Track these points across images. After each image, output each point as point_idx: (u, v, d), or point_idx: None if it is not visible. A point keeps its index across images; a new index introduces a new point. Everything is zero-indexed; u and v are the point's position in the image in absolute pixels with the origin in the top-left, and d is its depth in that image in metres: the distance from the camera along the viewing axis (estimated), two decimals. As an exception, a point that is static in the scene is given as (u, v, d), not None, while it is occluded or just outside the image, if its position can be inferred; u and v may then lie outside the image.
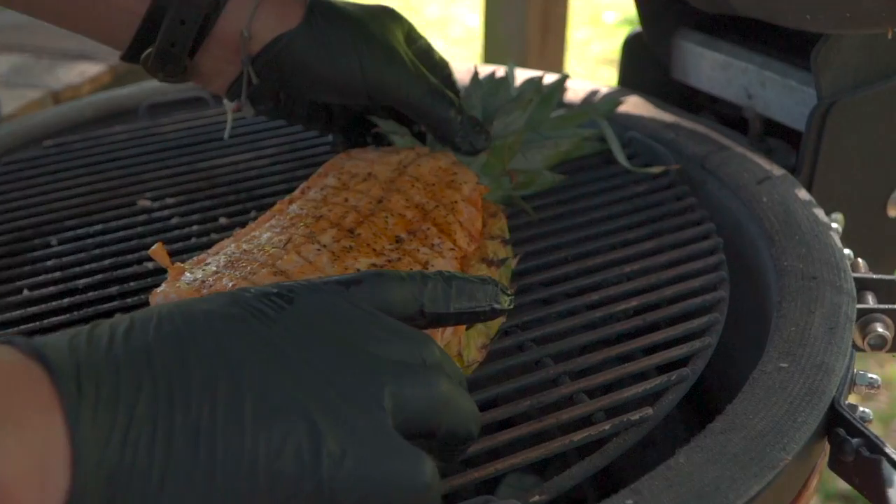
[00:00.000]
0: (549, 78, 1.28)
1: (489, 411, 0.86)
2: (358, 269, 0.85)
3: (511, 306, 0.74)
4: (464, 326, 0.86)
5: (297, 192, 1.01)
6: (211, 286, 0.82)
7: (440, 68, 1.12)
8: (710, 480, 0.77)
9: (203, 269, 0.86)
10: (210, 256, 0.90)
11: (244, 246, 0.89)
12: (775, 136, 1.34)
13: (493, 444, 0.83)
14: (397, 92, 1.01)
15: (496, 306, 0.73)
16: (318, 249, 0.87)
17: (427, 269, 0.87)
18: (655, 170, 1.18)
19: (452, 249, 0.91)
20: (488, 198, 1.06)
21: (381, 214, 0.93)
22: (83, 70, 1.86)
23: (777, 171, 1.18)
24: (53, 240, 1.17)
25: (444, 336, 0.84)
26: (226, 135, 1.17)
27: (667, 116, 1.33)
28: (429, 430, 0.62)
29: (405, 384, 0.59)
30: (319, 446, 0.53)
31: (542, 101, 1.16)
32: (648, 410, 0.85)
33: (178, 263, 0.89)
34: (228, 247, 0.91)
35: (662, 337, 0.95)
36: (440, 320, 0.69)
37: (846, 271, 1.00)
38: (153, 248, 0.87)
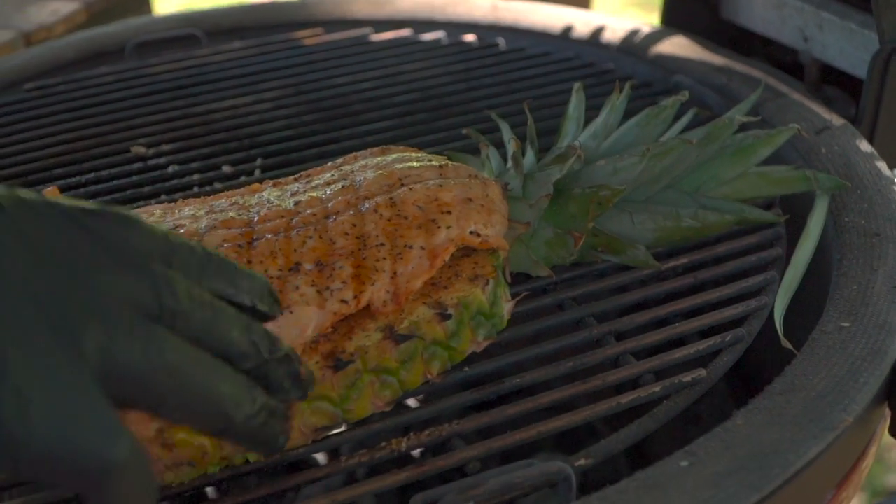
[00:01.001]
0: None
1: (530, 372, 0.92)
2: None
3: (282, 351, 0.69)
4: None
5: (291, 177, 1.04)
6: None
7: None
8: (768, 442, 0.83)
9: None
10: (154, 210, 0.96)
11: (155, 214, 0.95)
12: (833, 84, 1.40)
13: (535, 405, 0.90)
14: None
15: (259, 306, 0.68)
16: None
17: (281, 313, 0.84)
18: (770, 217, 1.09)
19: (344, 302, 0.88)
20: (536, 258, 1.02)
21: (308, 232, 0.92)
22: (55, 8, 1.91)
23: (837, 120, 1.24)
24: (41, 189, 1.22)
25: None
26: None
27: (717, 59, 1.39)
28: (147, 403, 0.56)
29: (119, 335, 0.53)
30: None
31: (735, 154, 1.06)
32: (701, 372, 0.92)
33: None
34: (148, 210, 0.98)
35: (715, 296, 1.01)
36: (177, 307, 0.59)
37: (913, 227, 1.07)
38: (47, 189, 0.94)
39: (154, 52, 1.52)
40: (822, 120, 1.24)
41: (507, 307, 0.97)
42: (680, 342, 0.96)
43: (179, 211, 0.97)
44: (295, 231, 0.93)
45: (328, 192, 0.98)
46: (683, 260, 1.05)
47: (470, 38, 1.55)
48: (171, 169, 1.24)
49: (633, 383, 0.92)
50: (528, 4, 1.56)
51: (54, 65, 1.49)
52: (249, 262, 0.89)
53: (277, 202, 0.97)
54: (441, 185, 0.97)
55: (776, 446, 0.83)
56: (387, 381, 0.89)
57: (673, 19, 1.51)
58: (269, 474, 0.88)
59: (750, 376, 1.19)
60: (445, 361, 0.93)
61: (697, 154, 1.05)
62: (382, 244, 0.92)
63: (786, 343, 0.96)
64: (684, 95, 1.10)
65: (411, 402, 1.25)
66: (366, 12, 1.61)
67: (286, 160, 1.25)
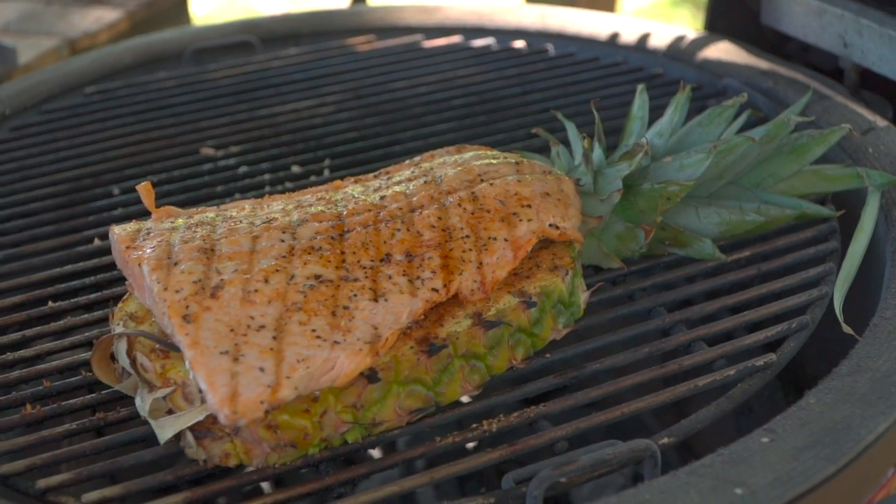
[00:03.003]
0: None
1: (608, 357, 0.98)
2: (293, 276, 0.91)
3: None
4: (366, 378, 0.88)
5: (371, 174, 1.10)
6: (145, 240, 0.94)
7: None
8: (840, 418, 0.88)
9: (172, 222, 0.97)
10: (209, 211, 1.01)
11: (245, 210, 1.00)
12: (870, 89, 1.46)
13: (617, 388, 0.95)
14: None
15: None
16: (282, 240, 0.95)
17: (377, 301, 0.90)
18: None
19: (435, 290, 0.93)
20: (608, 251, 1.07)
21: (395, 225, 0.98)
22: (99, 16, 1.96)
23: (881, 121, 1.30)
24: (115, 188, 1.28)
25: (319, 379, 0.84)
26: None
27: (761, 63, 1.45)
28: None
29: None
30: None
31: (791, 152, 1.12)
32: (772, 356, 0.97)
33: (170, 207, 1.01)
34: (237, 206, 1.02)
35: (779, 286, 1.06)
36: None
37: (967, 223, 1.12)
38: (140, 185, 1.00)
39: (211, 58, 1.57)
40: (867, 121, 1.30)
41: (583, 297, 1.03)
42: (747, 329, 1.02)
43: (268, 206, 1.03)
44: (383, 224, 0.98)
45: (411, 188, 1.03)
46: (746, 253, 1.11)
47: (519, 44, 1.61)
48: (241, 169, 1.30)
49: (707, 368, 0.98)
50: (575, 11, 1.61)
51: (113, 69, 1.55)
52: (342, 253, 0.94)
53: (362, 197, 1.02)
54: (519, 181, 1.03)
55: (848, 422, 0.88)
56: (475, 366, 0.94)
57: (716, 24, 1.56)
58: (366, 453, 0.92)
59: (794, 370, 1.23)
60: (529, 348, 0.98)
61: (758, 152, 1.10)
62: (468, 236, 0.97)
63: (847, 329, 1.02)
64: (743, 97, 1.15)
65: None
66: (416, 20, 1.67)
67: (353, 161, 1.31)
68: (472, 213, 0.99)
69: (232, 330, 0.87)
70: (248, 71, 1.53)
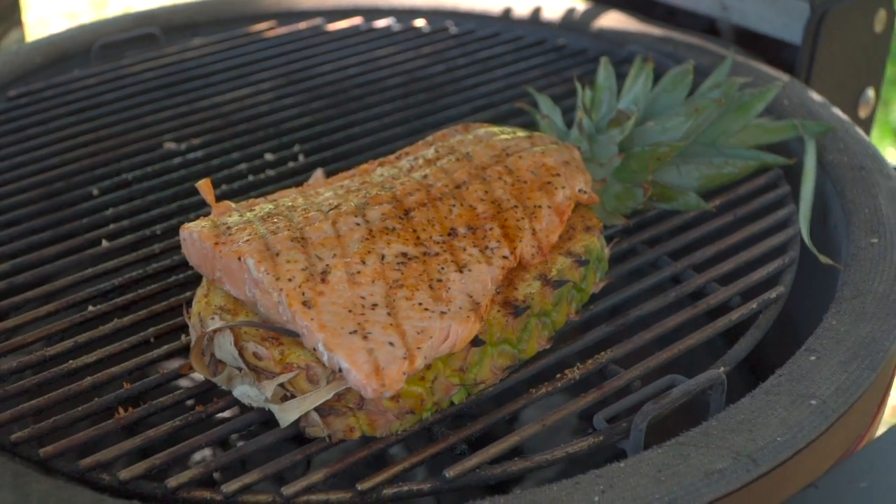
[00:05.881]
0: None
1: (645, 303, 1.10)
2: (383, 256, 0.98)
3: None
4: (470, 342, 0.96)
5: (392, 157, 1.16)
6: (230, 235, 0.99)
7: None
8: (865, 334, 1.05)
9: (241, 215, 1.03)
10: (264, 202, 1.06)
11: (299, 201, 1.05)
12: (744, 46, 1.64)
13: (664, 329, 1.08)
14: None
15: None
16: (357, 224, 1.01)
17: (462, 272, 0.99)
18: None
19: (506, 258, 1.02)
20: (610, 209, 1.18)
21: (450, 201, 1.06)
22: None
23: (784, 76, 1.48)
24: (94, 189, 1.28)
25: (439, 348, 0.94)
26: None
27: (654, 30, 1.60)
28: None
29: None
30: None
31: (737, 109, 1.25)
32: (781, 288, 1.13)
33: (227, 202, 1.06)
34: (289, 196, 1.08)
35: (759, 227, 1.22)
36: None
37: (884, 159, 1.31)
38: (200, 182, 1.05)
39: (119, 52, 1.57)
40: (771, 76, 1.48)
41: (607, 252, 1.15)
42: (748, 268, 1.16)
43: (318, 194, 1.08)
44: (438, 201, 1.06)
45: (445, 165, 1.11)
46: (717, 201, 1.25)
47: (420, 22, 1.69)
48: (214, 162, 1.33)
49: (725, 307, 1.12)
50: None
51: (25, 70, 1.52)
52: (414, 230, 1.02)
53: (403, 177, 1.10)
54: (543, 152, 1.13)
55: (872, 337, 1.04)
56: (546, 322, 1.05)
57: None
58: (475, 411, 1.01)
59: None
60: (579, 302, 1.09)
61: (718, 111, 1.25)
62: (516, 206, 1.07)
63: (825, 259, 1.18)
64: (691, 63, 1.30)
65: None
66: (311, 4, 1.71)
67: (320, 145, 1.36)
68: (513, 185, 1.09)
69: (350, 310, 0.94)
70: (167, 63, 1.54)
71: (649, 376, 1.03)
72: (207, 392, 1.01)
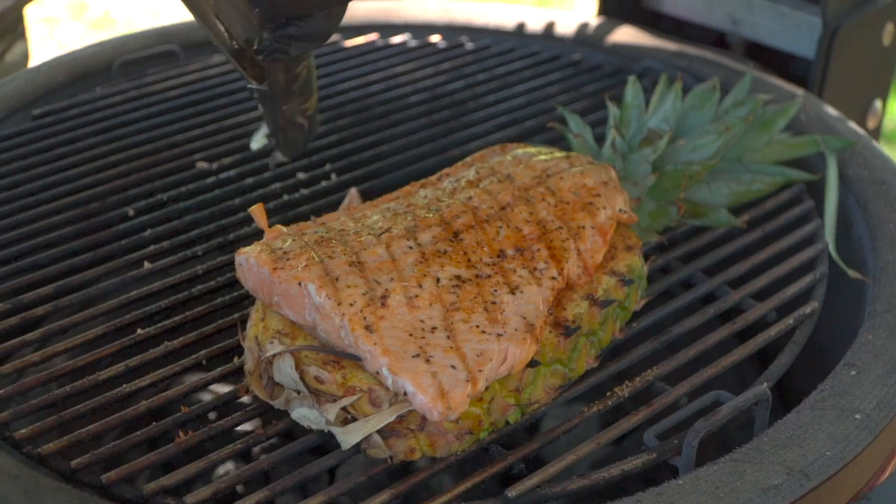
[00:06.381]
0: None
1: (686, 320, 1.13)
2: (438, 279, 1.01)
3: None
4: (527, 363, 0.99)
5: (433, 178, 1.18)
6: (288, 260, 1.00)
7: None
8: (900, 348, 1.08)
9: (294, 240, 1.04)
10: (313, 226, 1.08)
11: (348, 224, 1.07)
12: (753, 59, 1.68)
13: (706, 346, 1.10)
14: None
15: None
16: (410, 247, 1.03)
17: (514, 293, 1.01)
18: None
19: (554, 279, 1.04)
20: (644, 227, 1.21)
21: (496, 223, 1.08)
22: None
23: (799, 90, 1.51)
24: (129, 210, 1.29)
25: (498, 370, 0.97)
26: None
27: (668, 44, 1.63)
28: None
29: None
30: None
31: (761, 126, 1.28)
32: (815, 304, 1.16)
33: (278, 226, 1.08)
34: (337, 219, 1.10)
35: (787, 243, 1.25)
36: None
37: (905, 173, 1.35)
38: (253, 207, 1.06)
39: (139, 69, 1.58)
40: (789, 91, 1.51)
41: (646, 270, 1.17)
42: (780, 283, 1.19)
43: (366, 217, 1.10)
44: (485, 223, 1.08)
45: (488, 187, 1.13)
46: (745, 217, 1.28)
47: (435, 38, 1.71)
48: (248, 181, 1.34)
49: (762, 322, 1.15)
50: (474, 3, 1.74)
51: (47, 88, 1.52)
52: (465, 253, 1.04)
53: (447, 199, 1.12)
54: (582, 172, 1.15)
55: (908, 351, 1.08)
56: (593, 341, 1.07)
57: (606, 10, 1.73)
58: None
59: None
60: (623, 320, 1.12)
61: (745, 128, 1.28)
62: (560, 227, 1.09)
63: (854, 274, 1.21)
64: (716, 80, 1.33)
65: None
66: (327, 19, 1.73)
67: (350, 163, 1.38)
68: (556, 206, 1.11)
69: (410, 334, 0.96)
70: (190, 80, 1.55)
71: (693, 393, 1.05)
72: (264, 414, 1.03)
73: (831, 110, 1.47)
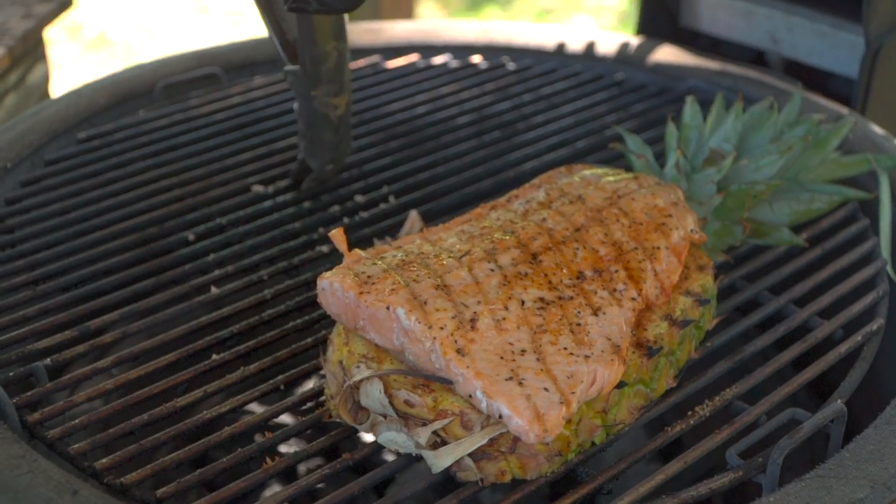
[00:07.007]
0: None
1: (758, 339, 1.15)
2: (522, 301, 1.02)
3: None
4: (614, 386, 1.01)
5: (502, 200, 1.20)
6: (373, 284, 1.02)
7: None
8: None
9: (375, 264, 1.06)
10: (390, 249, 1.09)
11: (426, 247, 1.09)
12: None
13: (780, 364, 1.12)
14: None
15: None
16: (492, 270, 1.05)
17: (597, 315, 1.03)
18: None
19: (634, 299, 1.07)
20: (709, 246, 1.23)
21: (573, 244, 1.09)
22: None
23: (844, 110, 1.54)
24: (189, 235, 1.30)
25: (588, 392, 0.98)
26: None
27: (710, 63, 1.65)
28: None
29: None
30: None
31: (815, 145, 1.30)
32: (881, 320, 1.18)
33: (357, 250, 1.09)
34: (414, 242, 1.12)
35: (847, 261, 1.27)
36: None
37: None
38: (333, 231, 1.08)
39: (181, 91, 1.59)
40: (834, 111, 1.53)
41: (715, 290, 1.19)
42: (844, 300, 1.21)
43: (442, 240, 1.11)
44: (562, 245, 1.10)
45: (561, 208, 1.15)
46: (804, 235, 1.30)
47: (476, 59, 1.73)
48: (306, 205, 1.35)
49: (829, 340, 1.17)
50: (513, 23, 1.76)
51: (90, 111, 1.53)
52: (545, 275, 1.06)
53: (520, 221, 1.13)
54: (653, 193, 1.17)
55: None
56: (672, 361, 1.09)
57: (643, 29, 1.75)
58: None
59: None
60: (698, 339, 1.14)
61: (803, 148, 1.30)
62: (636, 248, 1.11)
63: None
64: (770, 100, 1.35)
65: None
66: (365, 40, 1.75)
67: (406, 186, 1.40)
68: (630, 227, 1.13)
69: (501, 357, 0.97)
70: (236, 103, 1.56)
71: (770, 410, 1.07)
72: (348, 439, 1.04)
73: (877, 129, 1.49)
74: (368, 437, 1.02)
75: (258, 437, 1.17)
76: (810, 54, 1.64)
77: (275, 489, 1.37)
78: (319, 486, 1.00)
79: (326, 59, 1.27)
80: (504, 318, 1.00)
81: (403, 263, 1.05)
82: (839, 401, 1.06)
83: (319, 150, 1.32)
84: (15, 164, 1.41)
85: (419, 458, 0.99)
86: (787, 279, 1.25)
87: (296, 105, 1.33)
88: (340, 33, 1.26)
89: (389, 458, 1.02)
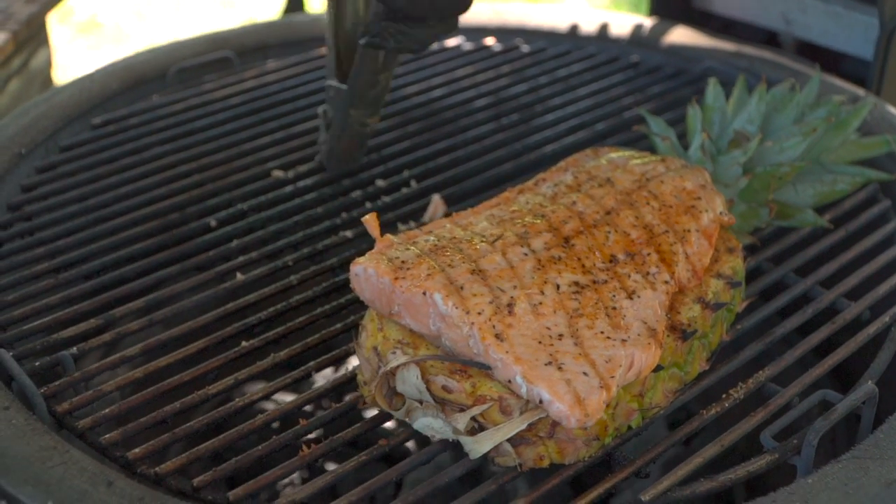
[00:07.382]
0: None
1: (787, 320, 1.15)
2: (557, 285, 1.03)
3: None
4: (651, 370, 1.02)
5: (530, 183, 1.20)
6: (408, 269, 1.02)
7: None
8: None
9: (408, 249, 1.05)
10: (421, 234, 1.09)
11: (457, 232, 1.09)
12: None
13: (810, 346, 1.13)
14: None
15: None
16: (525, 254, 1.05)
17: (632, 298, 1.04)
18: None
19: (667, 283, 1.07)
20: (735, 229, 1.22)
21: (604, 228, 1.10)
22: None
23: (860, 91, 1.54)
24: (211, 220, 1.30)
25: (625, 376, 0.99)
26: None
27: (725, 45, 1.65)
28: None
29: None
30: None
31: (836, 127, 1.31)
32: (910, 301, 1.19)
33: (388, 234, 1.09)
34: (444, 227, 1.12)
35: (872, 242, 1.28)
36: None
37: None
38: (366, 217, 1.07)
39: (194, 76, 1.59)
40: (852, 93, 1.54)
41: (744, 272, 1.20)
42: (869, 281, 1.22)
43: (472, 224, 1.11)
44: (594, 228, 1.10)
45: (590, 192, 1.15)
46: (827, 216, 1.31)
47: (490, 41, 1.73)
48: (327, 189, 1.35)
49: (857, 322, 1.18)
50: (525, 5, 1.75)
51: (103, 96, 1.52)
52: (578, 258, 1.06)
53: (550, 205, 1.13)
54: (681, 176, 1.17)
55: None
56: (705, 344, 1.09)
57: (657, 10, 1.75)
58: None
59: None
60: (729, 322, 1.14)
61: (825, 129, 1.31)
62: (667, 231, 1.11)
63: None
64: (791, 82, 1.35)
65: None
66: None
67: (427, 170, 1.40)
68: (660, 210, 1.13)
69: (539, 342, 0.97)
70: (250, 87, 1.56)
71: (802, 393, 1.08)
72: (384, 424, 1.04)
73: (894, 110, 1.50)
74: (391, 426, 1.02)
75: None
76: (823, 35, 1.65)
77: (305, 474, 1.37)
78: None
79: (374, 87, 1.30)
80: (540, 303, 1.00)
81: (437, 248, 1.05)
82: (870, 382, 1.07)
83: (336, 161, 1.34)
84: (29, 150, 1.41)
85: (455, 444, 0.99)
86: (812, 261, 1.26)
87: (320, 109, 1.36)
88: (392, 65, 1.30)
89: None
